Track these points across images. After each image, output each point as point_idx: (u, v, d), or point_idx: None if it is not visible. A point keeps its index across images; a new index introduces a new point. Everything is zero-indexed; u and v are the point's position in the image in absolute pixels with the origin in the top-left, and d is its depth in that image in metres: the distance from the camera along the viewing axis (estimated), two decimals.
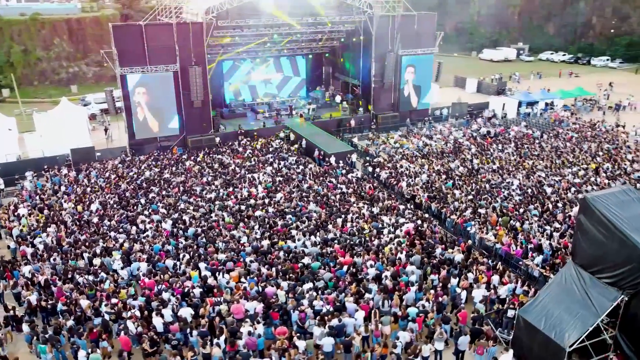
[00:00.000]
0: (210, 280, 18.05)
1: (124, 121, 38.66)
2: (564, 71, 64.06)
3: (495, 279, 18.04)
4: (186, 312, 16.39)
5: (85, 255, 19.88)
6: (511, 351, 14.41)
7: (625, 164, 29.19)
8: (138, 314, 16.31)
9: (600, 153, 31.09)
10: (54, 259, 19.48)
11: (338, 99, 43.02)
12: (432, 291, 17.33)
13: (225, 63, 40.10)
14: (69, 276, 18.61)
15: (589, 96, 46.80)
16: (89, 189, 26.48)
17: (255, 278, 18.18)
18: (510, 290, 17.46)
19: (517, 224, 21.89)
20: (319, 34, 39.22)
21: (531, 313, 14.86)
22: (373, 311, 16.31)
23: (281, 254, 19.78)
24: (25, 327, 15.99)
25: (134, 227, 22.14)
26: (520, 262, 19.41)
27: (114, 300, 16.87)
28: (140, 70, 31.15)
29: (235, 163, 29.97)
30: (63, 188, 26.83)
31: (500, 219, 22.45)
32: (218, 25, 32.56)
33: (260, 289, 17.60)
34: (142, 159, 31.13)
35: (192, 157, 31.40)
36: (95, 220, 22.89)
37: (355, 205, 24.06)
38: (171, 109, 32.80)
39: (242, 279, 18.09)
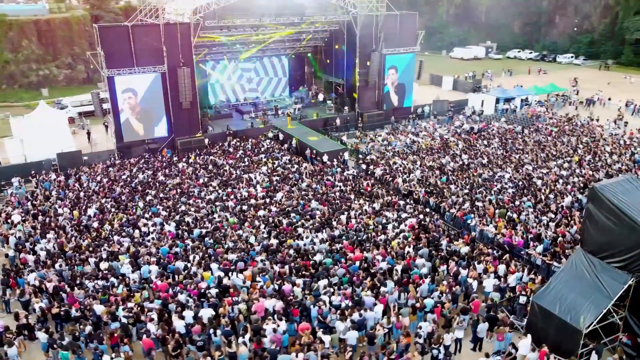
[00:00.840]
0: (224, 281, 18.04)
1: (104, 124, 38.28)
2: (533, 68, 66.26)
3: (502, 268, 18.71)
4: (206, 313, 16.35)
5: (92, 260, 19.52)
6: (529, 336, 15.03)
7: (605, 156, 30.59)
8: (156, 317, 16.19)
9: (581, 146, 32.48)
10: (60, 265, 19.04)
11: (320, 97, 43.44)
12: (444, 282, 17.85)
13: (208, 64, 39.77)
14: (78, 282, 18.28)
15: (561, 92, 48.63)
16: (82, 194, 25.90)
17: (268, 276, 18.27)
18: (518, 278, 18.15)
19: (515, 216, 22.73)
20: (303, 34, 39.39)
21: (545, 299, 15.55)
22: (393, 304, 16.69)
23: (291, 252, 19.93)
24: (41, 335, 15.61)
25: (137, 231, 21.85)
26: (523, 252, 20.19)
27: (130, 304, 16.67)
28: (127, 71, 30.59)
29: (229, 164, 29.86)
30: (55, 193, 26.15)
31: (497, 211, 23.25)
32: (205, 25, 32.30)
33: (277, 287, 17.73)
34: (132, 162, 30.63)
35: (184, 159, 31.11)
36: (95, 225, 22.45)
37: (356, 202, 24.43)
38: (159, 110, 32.36)
39: (258, 278, 18.15)
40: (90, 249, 20.36)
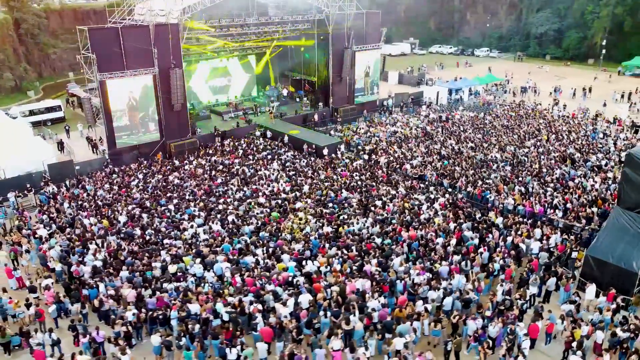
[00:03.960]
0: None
1: (65, 128, 37.26)
2: (461, 61, 71.91)
3: (538, 232, 21.33)
4: (305, 299, 17.08)
5: (156, 264, 19.20)
6: (594, 284, 17.61)
7: (565, 134, 34.95)
8: (260, 307, 16.65)
9: (541, 127, 36.70)
10: (130, 272, 18.58)
11: (285, 92, 44.44)
12: (498, 249, 20.09)
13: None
14: (152, 286, 18.01)
15: (498, 81, 53.75)
16: (100, 202, 24.87)
17: (344, 261, 19.31)
18: (556, 239, 20.86)
19: (522, 189, 25.65)
20: (275, 33, 39.98)
21: (597, 251, 18.27)
22: (472, 271, 18.56)
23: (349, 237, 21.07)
24: (154, 338, 15.44)
25: (186, 232, 21.69)
26: (544, 218, 23.04)
27: (231, 299, 16.92)
28: (119, 75, 29.48)
29: (238, 163, 30.02)
30: (66, 204, 24.81)
31: (506, 187, 26.06)
32: (194, 26, 32.00)
33: (354, 268, 18.85)
34: (133, 167, 29.71)
35: (186, 161, 30.69)
36: (139, 231, 21.87)
37: (383, 188, 26.01)
38: (151, 114, 31.53)
39: (335, 264, 19.07)
40: (147, 254, 19.96)
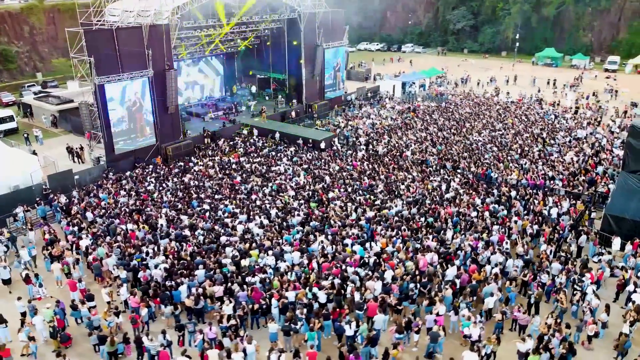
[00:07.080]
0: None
1: (24, 135, 35.20)
2: (394, 57, 75.94)
3: (550, 200, 24.42)
4: (388, 275, 18.46)
5: (226, 261, 19.44)
6: (618, 237, 20.78)
7: (523, 117, 39.22)
8: (355, 286, 17.77)
9: (501, 112, 40.74)
10: (209, 272, 18.69)
11: (254, 89, 44.91)
12: (527, 216, 22.82)
13: None
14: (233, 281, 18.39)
15: (441, 74, 58.00)
16: (126, 209, 24.14)
17: (408, 241, 20.86)
18: (568, 205, 24.04)
19: (516, 165, 28.86)
20: (249, 33, 40.29)
21: (614, 209, 21.55)
22: (518, 237, 21.01)
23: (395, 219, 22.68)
24: (272, 326, 16.05)
25: (238, 228, 21.97)
26: (546, 189, 26.28)
27: (325, 283, 17.81)
28: (116, 78, 28.44)
29: (247, 161, 30.29)
30: (89, 214, 23.75)
31: (502, 164, 29.13)
32: (183, 26, 31.62)
33: (418, 246, 20.53)
34: (138, 172, 28.87)
35: (191, 163, 30.34)
36: (187, 232, 21.75)
37: (399, 174, 27.86)
38: (147, 117, 30.69)
39: (398, 243, 20.57)
40: (213, 252, 20.10)
